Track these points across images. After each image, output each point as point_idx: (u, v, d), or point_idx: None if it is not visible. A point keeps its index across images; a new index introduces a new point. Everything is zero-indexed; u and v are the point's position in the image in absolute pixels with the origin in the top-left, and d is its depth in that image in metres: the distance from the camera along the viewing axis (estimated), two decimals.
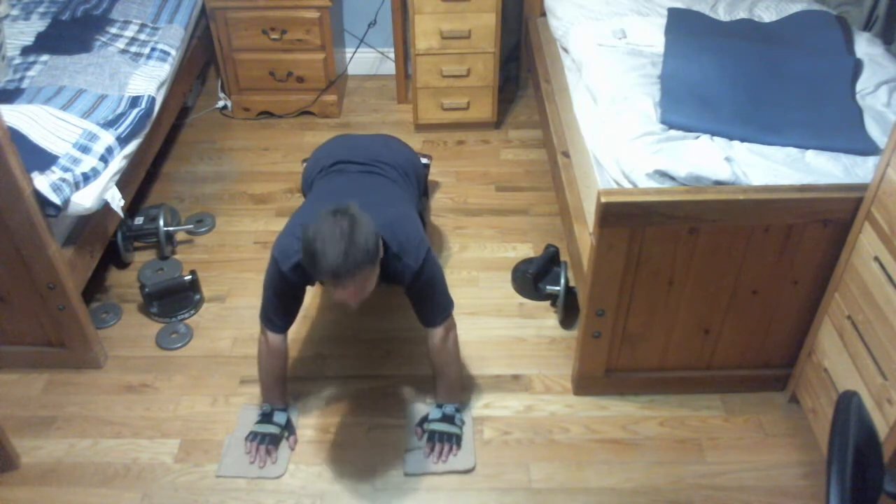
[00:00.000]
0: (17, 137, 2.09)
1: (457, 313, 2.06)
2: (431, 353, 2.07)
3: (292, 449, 2.12)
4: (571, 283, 2.46)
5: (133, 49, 2.85)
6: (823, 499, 1.79)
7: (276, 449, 2.10)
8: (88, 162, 2.23)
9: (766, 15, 2.69)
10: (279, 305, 2.01)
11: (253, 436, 2.11)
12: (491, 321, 2.52)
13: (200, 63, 3.45)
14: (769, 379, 2.24)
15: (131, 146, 2.47)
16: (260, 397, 2.19)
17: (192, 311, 2.56)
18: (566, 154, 2.52)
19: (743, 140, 2.04)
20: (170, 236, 2.79)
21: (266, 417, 2.13)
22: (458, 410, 2.15)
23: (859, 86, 2.24)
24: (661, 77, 2.28)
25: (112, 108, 2.51)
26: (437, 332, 2.03)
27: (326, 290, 1.85)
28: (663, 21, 2.61)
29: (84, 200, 2.17)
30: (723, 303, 2.04)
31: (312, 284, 2.02)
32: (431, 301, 2.00)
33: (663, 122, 2.08)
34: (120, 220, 2.53)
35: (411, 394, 2.28)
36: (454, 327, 2.08)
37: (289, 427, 2.15)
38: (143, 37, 2.94)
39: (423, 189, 2.49)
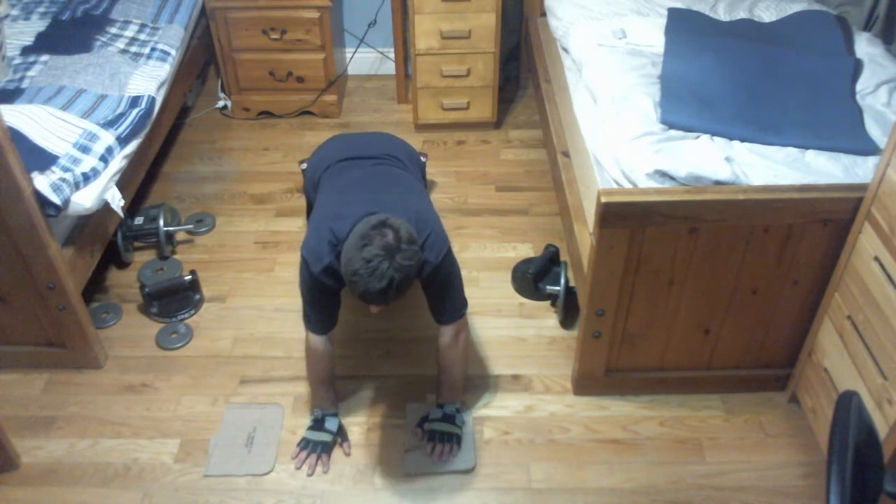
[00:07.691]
0: (17, 137, 2.09)
1: None
2: (440, 350, 2.07)
3: (348, 454, 2.09)
4: (571, 283, 2.46)
5: (133, 49, 2.85)
6: (823, 499, 1.79)
7: (328, 458, 2.07)
8: (88, 162, 2.23)
9: (766, 15, 2.69)
10: (316, 306, 1.98)
11: (305, 443, 2.08)
12: (491, 321, 2.52)
13: (200, 63, 3.45)
14: (769, 379, 2.24)
15: (131, 146, 2.47)
16: (311, 401, 2.18)
17: (192, 311, 2.56)
18: (566, 154, 2.52)
19: (743, 140, 2.04)
20: (170, 236, 2.79)
21: (318, 424, 2.10)
22: (458, 410, 2.15)
23: (859, 86, 2.24)
24: (661, 77, 2.28)
25: (112, 108, 2.51)
26: (449, 330, 2.03)
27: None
28: (663, 21, 2.61)
29: (84, 200, 2.17)
30: (723, 303, 2.04)
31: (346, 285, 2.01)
32: (446, 298, 2.00)
33: (663, 122, 2.08)
34: (120, 220, 2.53)
35: (411, 394, 2.28)
36: (466, 328, 2.08)
37: (341, 433, 2.12)
38: (143, 37, 2.94)
39: (423, 184, 2.49)
